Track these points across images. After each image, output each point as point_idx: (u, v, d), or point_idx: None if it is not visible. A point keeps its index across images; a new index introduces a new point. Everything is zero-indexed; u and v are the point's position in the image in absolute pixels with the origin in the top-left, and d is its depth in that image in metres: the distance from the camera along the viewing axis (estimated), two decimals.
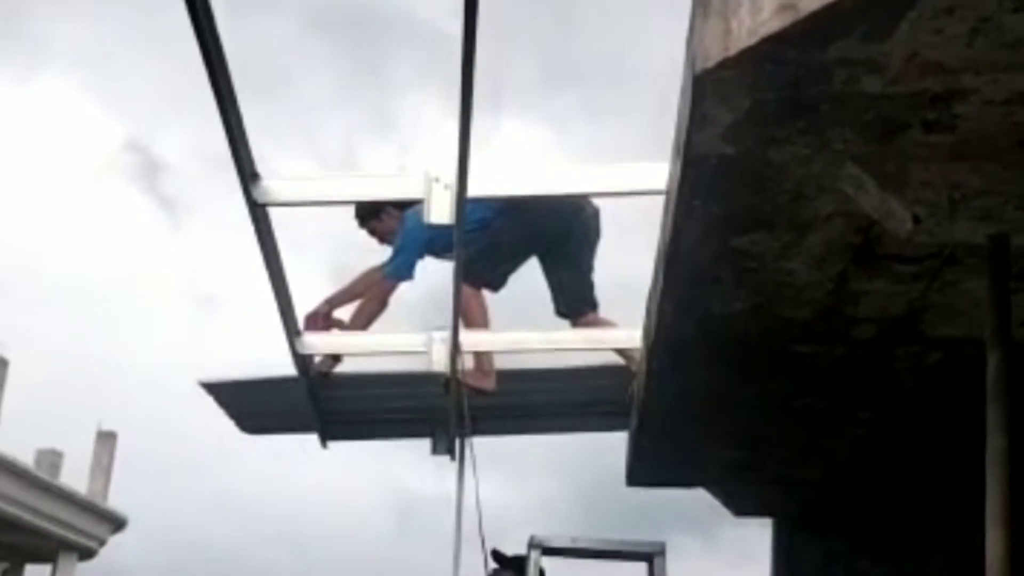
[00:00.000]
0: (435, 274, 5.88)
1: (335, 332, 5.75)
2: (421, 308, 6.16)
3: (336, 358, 5.74)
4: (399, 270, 5.73)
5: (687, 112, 2.41)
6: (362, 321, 5.74)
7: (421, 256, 5.75)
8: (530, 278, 5.94)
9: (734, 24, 2.15)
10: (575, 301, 5.81)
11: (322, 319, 5.67)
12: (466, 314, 5.49)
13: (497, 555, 5.68)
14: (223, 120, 3.43)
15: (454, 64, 3.21)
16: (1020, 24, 2.00)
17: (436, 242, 5.49)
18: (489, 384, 5.77)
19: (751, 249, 2.91)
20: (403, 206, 5.61)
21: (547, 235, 5.77)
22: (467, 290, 5.41)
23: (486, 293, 5.79)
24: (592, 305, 5.82)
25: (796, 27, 2.05)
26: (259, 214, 3.98)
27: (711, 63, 2.20)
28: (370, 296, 5.79)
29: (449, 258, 5.27)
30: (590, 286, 5.86)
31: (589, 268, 5.86)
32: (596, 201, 5.72)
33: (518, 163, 5.59)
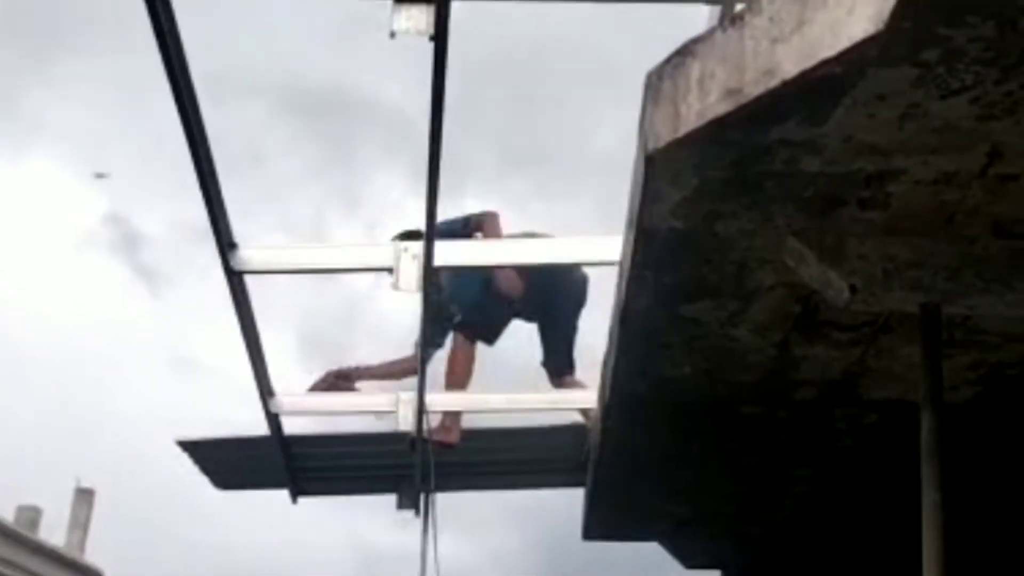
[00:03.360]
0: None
1: (315, 394, 5.77)
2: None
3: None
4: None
5: (639, 189, 2.44)
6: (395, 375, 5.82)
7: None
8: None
9: (683, 108, 2.19)
10: (558, 361, 5.92)
11: (343, 379, 5.69)
12: (452, 364, 5.64)
13: None
14: (203, 192, 3.43)
15: (418, 145, 3.24)
16: (946, 110, 2.05)
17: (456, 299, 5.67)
18: (453, 437, 5.75)
19: (699, 317, 2.93)
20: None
21: (541, 296, 5.87)
22: (460, 340, 5.64)
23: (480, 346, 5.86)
24: (571, 366, 5.89)
25: (741, 111, 2.09)
26: (236, 281, 3.98)
27: (661, 143, 2.24)
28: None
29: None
30: (571, 347, 5.92)
31: (573, 330, 5.93)
32: (586, 270, 5.80)
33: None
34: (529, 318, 6.02)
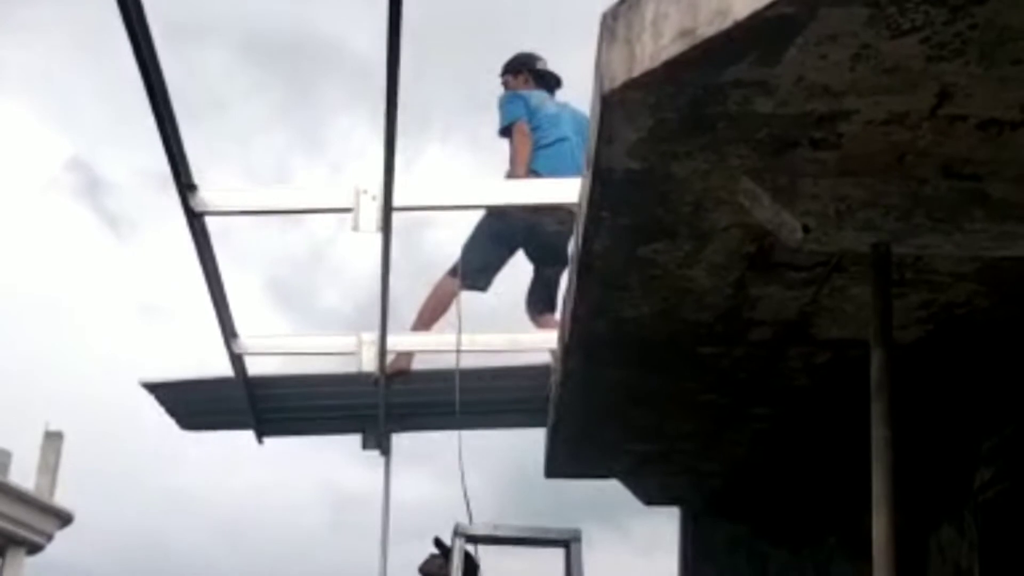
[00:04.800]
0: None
1: (286, 335, 5.84)
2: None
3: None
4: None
5: (596, 129, 2.43)
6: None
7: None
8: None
9: (637, 49, 2.17)
10: (541, 300, 5.99)
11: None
12: (429, 302, 5.82)
13: (439, 543, 5.64)
14: (161, 132, 3.39)
15: (380, 89, 3.21)
16: (897, 50, 2.05)
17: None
18: (405, 363, 5.78)
19: (656, 257, 2.94)
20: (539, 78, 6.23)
21: (524, 235, 5.98)
22: (449, 283, 5.79)
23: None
24: (551, 308, 5.94)
25: (694, 52, 2.07)
26: (196, 223, 3.95)
27: (617, 84, 2.22)
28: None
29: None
30: (556, 290, 5.98)
31: (557, 273, 5.97)
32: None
33: (443, 178, 5.69)
34: (530, 255, 6.07)
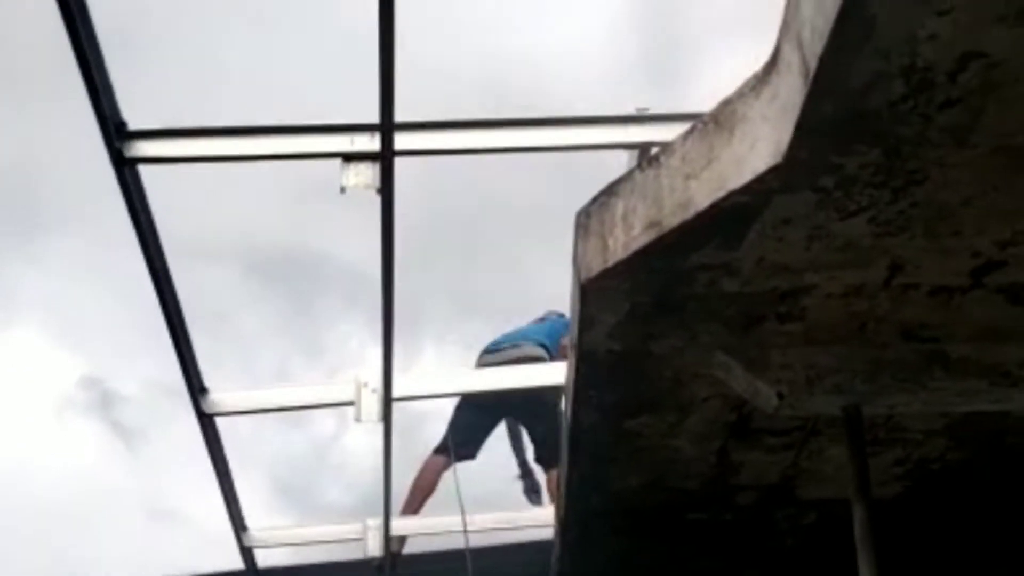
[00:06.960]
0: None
1: (293, 526, 5.78)
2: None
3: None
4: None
5: (577, 315, 2.50)
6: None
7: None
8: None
9: (610, 241, 2.26)
10: (550, 453, 5.95)
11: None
12: (417, 482, 5.74)
13: None
14: (173, 341, 3.46)
15: (375, 297, 3.29)
16: (847, 230, 2.13)
17: None
18: (397, 547, 5.69)
19: (642, 430, 2.96)
20: None
21: (505, 403, 5.96)
22: (436, 461, 5.78)
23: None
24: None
25: (661, 241, 2.16)
26: (207, 423, 3.97)
27: (593, 274, 2.30)
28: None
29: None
30: (554, 441, 5.96)
31: (549, 426, 5.97)
32: None
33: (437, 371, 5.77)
34: (517, 417, 6.08)
